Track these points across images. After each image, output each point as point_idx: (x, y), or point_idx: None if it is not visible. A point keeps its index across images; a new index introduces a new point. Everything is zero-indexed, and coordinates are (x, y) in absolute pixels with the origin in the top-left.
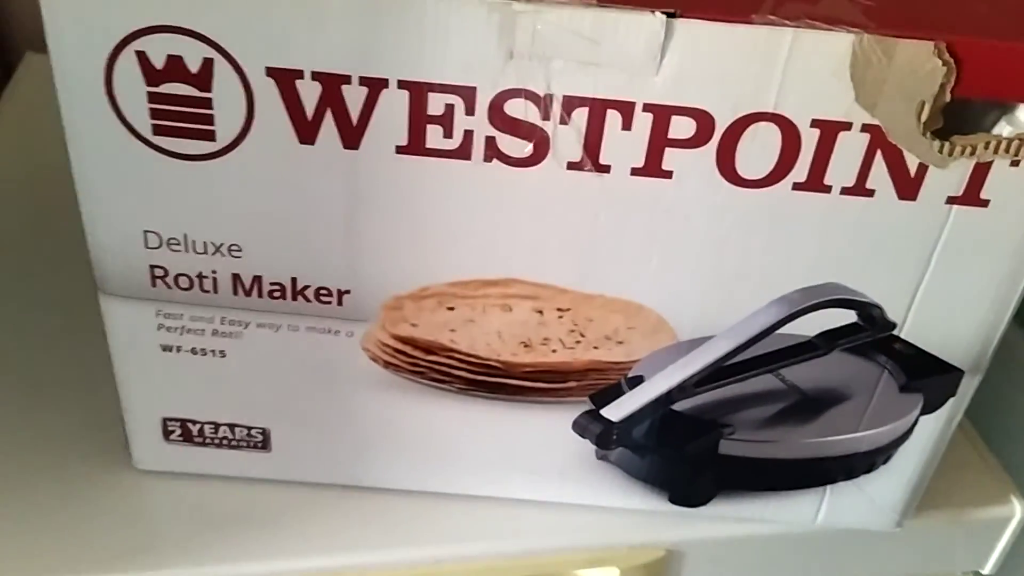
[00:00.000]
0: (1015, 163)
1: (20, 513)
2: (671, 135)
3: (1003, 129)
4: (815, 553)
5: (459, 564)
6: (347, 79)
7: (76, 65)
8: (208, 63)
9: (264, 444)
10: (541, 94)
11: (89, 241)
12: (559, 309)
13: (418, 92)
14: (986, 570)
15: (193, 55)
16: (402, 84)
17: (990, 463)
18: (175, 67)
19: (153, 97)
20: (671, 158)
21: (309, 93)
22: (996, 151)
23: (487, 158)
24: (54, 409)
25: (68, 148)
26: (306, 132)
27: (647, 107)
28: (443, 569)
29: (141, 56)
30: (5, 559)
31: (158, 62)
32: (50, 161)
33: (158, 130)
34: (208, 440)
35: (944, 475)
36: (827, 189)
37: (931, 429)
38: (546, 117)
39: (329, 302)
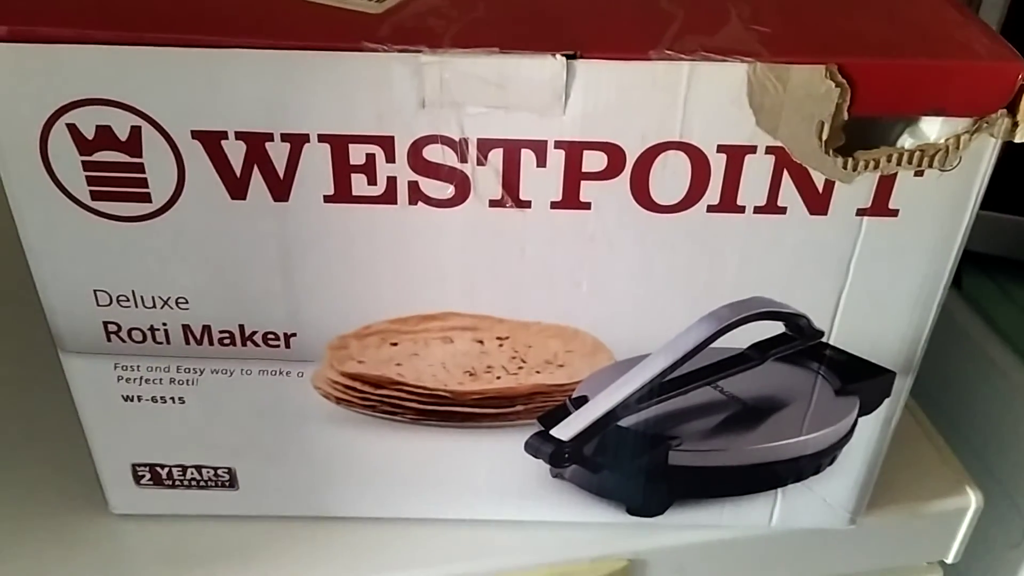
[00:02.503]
0: (919, 173)
1: (3, 560)
2: (585, 168)
3: (905, 141)
4: (775, 554)
5: None
6: (269, 136)
7: (12, 139)
8: (136, 130)
9: (231, 483)
10: (456, 138)
11: (43, 302)
12: (498, 338)
13: (338, 144)
14: (950, 559)
15: (121, 124)
16: (322, 138)
17: (945, 455)
18: (105, 136)
19: (87, 165)
20: (587, 190)
21: (235, 152)
22: (899, 163)
23: (412, 201)
24: (35, 459)
25: (13, 215)
26: (236, 188)
27: (558, 144)
28: None
29: (72, 128)
30: None
31: (88, 133)
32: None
33: (96, 195)
34: (177, 482)
35: (900, 469)
36: (740, 209)
37: (871, 429)
38: (463, 160)
39: (277, 345)
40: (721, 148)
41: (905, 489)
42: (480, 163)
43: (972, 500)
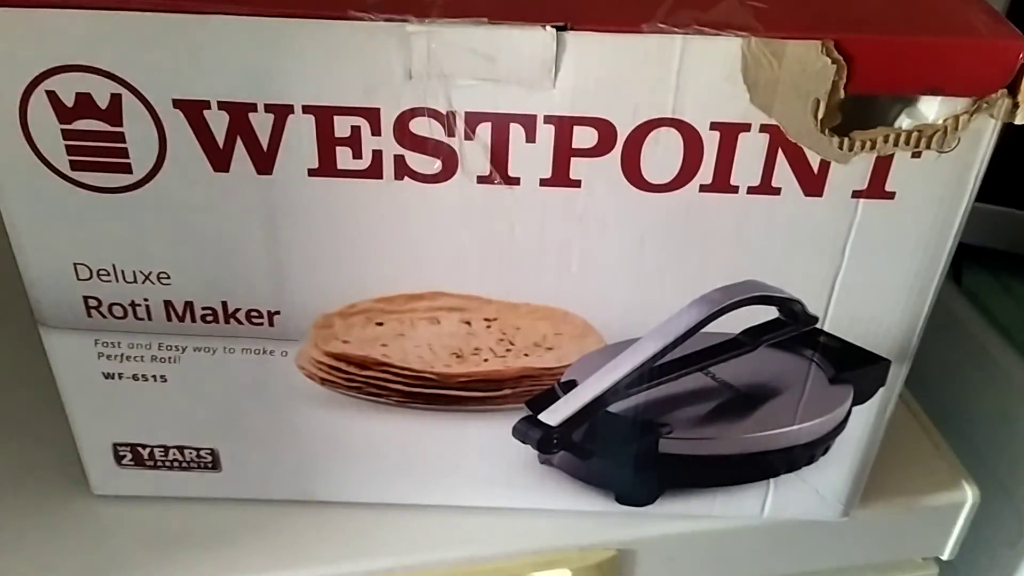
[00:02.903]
0: (916, 155)
1: None
2: (575, 145)
3: (903, 122)
4: (767, 546)
5: (412, 574)
6: (253, 107)
7: None
8: (116, 98)
9: (214, 464)
10: (444, 111)
11: (23, 275)
12: (486, 319)
13: (323, 116)
14: (944, 556)
15: (101, 91)
16: (307, 109)
17: (942, 450)
18: (85, 104)
19: (67, 134)
20: (578, 167)
21: (217, 122)
22: (896, 144)
23: (398, 176)
24: (16, 438)
25: None
26: (219, 160)
27: (548, 119)
28: None
29: (51, 95)
30: None
31: (68, 100)
32: None
33: (75, 165)
34: (159, 463)
35: (896, 463)
36: (734, 189)
37: (865, 419)
38: (451, 134)
39: (261, 323)
40: (714, 125)
41: (900, 483)
42: (468, 137)
43: (969, 495)
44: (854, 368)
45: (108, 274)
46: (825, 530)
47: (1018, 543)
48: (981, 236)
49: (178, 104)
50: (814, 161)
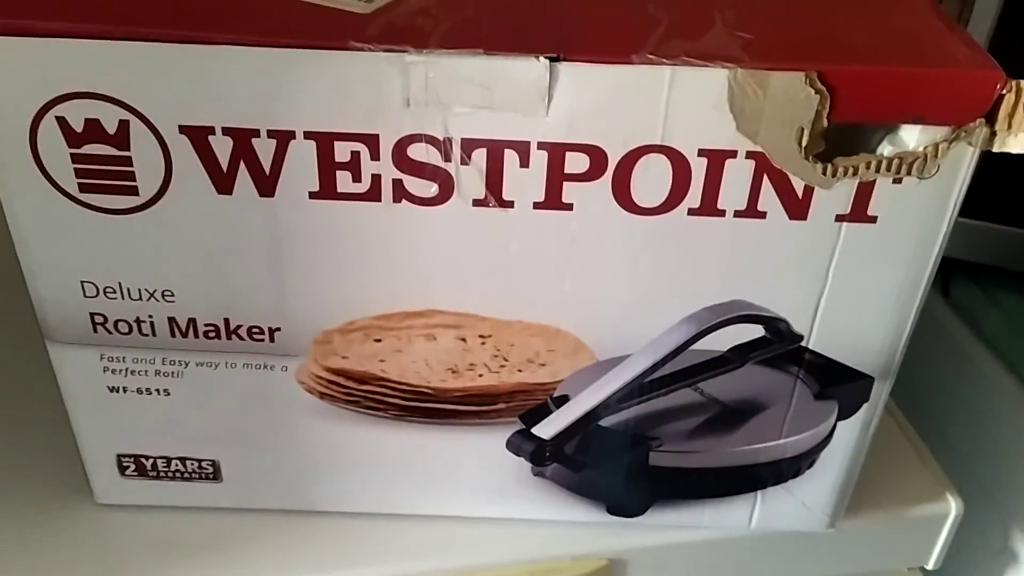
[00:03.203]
0: (897, 180)
1: None
2: (567, 170)
3: (884, 149)
4: (754, 556)
5: None
6: (256, 132)
7: (2, 131)
8: (124, 124)
9: (215, 475)
10: (440, 138)
11: (31, 292)
12: (481, 336)
13: (324, 141)
14: (929, 565)
15: (109, 117)
16: (308, 135)
17: (928, 461)
18: (94, 129)
19: (76, 158)
20: (570, 191)
21: (222, 147)
22: (878, 170)
23: (396, 199)
24: (21, 448)
25: (3, 206)
26: (223, 183)
27: (541, 145)
28: None
29: (61, 121)
30: None
31: (77, 126)
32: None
33: (84, 188)
34: (162, 474)
35: (882, 475)
36: (721, 213)
37: (850, 433)
38: (447, 159)
39: (262, 339)
40: (702, 152)
41: (886, 494)
42: (464, 162)
43: (953, 507)
44: (838, 385)
45: (114, 292)
46: (812, 541)
47: (1003, 553)
48: (969, 251)
49: (184, 130)
50: (798, 186)
